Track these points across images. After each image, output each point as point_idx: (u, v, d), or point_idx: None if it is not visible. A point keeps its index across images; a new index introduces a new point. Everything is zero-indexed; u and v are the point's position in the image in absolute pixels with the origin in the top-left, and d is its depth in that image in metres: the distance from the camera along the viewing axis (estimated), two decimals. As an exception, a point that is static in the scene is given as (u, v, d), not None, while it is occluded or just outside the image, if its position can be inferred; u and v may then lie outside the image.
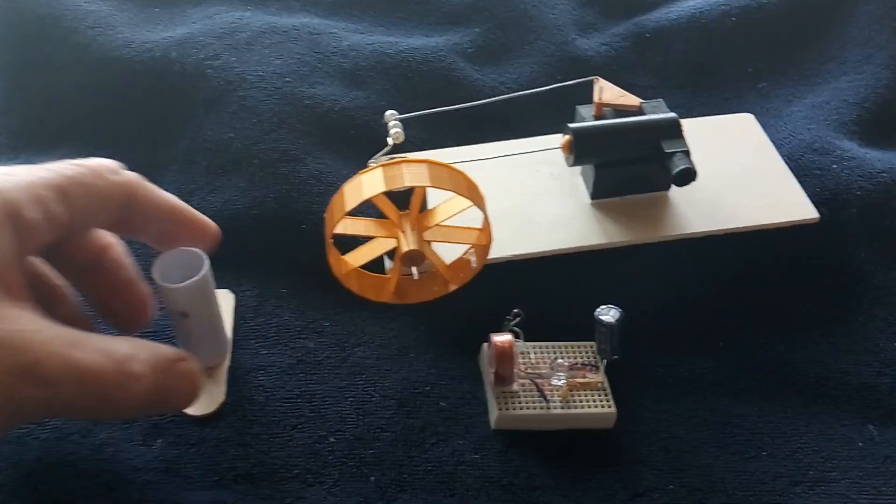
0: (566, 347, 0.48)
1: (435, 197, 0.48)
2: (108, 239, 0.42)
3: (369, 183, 0.42)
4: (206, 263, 0.41)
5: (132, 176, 0.40)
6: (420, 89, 0.62)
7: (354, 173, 0.44)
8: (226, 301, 0.49)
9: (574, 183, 0.55)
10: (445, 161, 0.52)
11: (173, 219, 0.41)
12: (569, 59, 0.66)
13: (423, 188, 0.44)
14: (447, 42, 0.67)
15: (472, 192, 0.44)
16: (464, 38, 0.67)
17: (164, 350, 0.37)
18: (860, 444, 0.47)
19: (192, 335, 0.43)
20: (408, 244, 0.44)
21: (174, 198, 0.41)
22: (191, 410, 0.43)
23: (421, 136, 0.59)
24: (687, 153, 0.50)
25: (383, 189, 0.42)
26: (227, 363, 0.46)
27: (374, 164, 0.45)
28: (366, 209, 0.45)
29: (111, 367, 0.34)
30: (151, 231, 0.41)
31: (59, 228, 0.36)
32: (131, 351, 0.35)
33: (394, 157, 0.50)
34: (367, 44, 0.64)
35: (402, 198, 0.46)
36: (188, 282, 0.40)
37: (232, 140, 0.55)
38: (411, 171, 0.42)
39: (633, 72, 0.67)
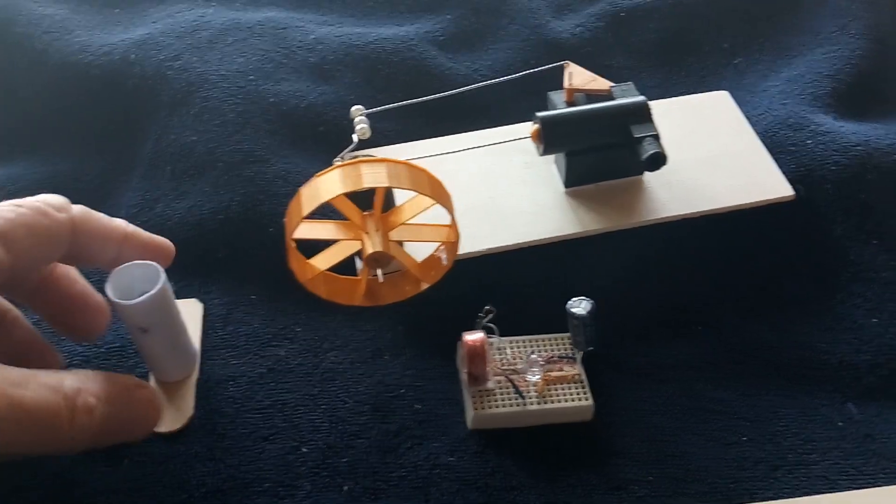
0: (543, 341, 0.48)
1: (403, 194, 0.48)
2: None
3: (326, 185, 0.41)
4: (163, 276, 0.40)
5: (78, 210, 0.39)
6: (391, 81, 0.61)
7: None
8: (193, 311, 0.48)
9: (548, 172, 0.54)
10: (418, 154, 0.52)
11: (126, 245, 0.40)
12: (544, 42, 0.65)
13: (384, 188, 0.43)
14: (418, 31, 0.65)
15: (434, 190, 0.43)
16: (436, 26, 0.66)
17: (117, 379, 0.37)
18: (840, 423, 0.46)
19: (154, 351, 0.42)
20: (372, 246, 0.43)
21: (124, 224, 0.41)
22: (158, 427, 0.42)
23: (394, 129, 0.58)
24: (656, 137, 0.49)
25: (341, 191, 0.41)
26: (195, 376, 0.45)
27: (339, 163, 0.44)
28: (331, 211, 0.44)
29: (58, 403, 0.34)
30: (105, 260, 0.40)
31: (2, 272, 0.35)
32: (80, 384, 0.35)
33: (357, 155, 0.50)
34: (336, 36, 0.63)
35: (366, 198, 0.45)
36: (144, 297, 0.39)
37: (195, 143, 0.54)
38: (370, 171, 0.41)
39: (609, 53, 0.66)
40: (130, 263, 0.40)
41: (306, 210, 0.41)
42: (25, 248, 0.36)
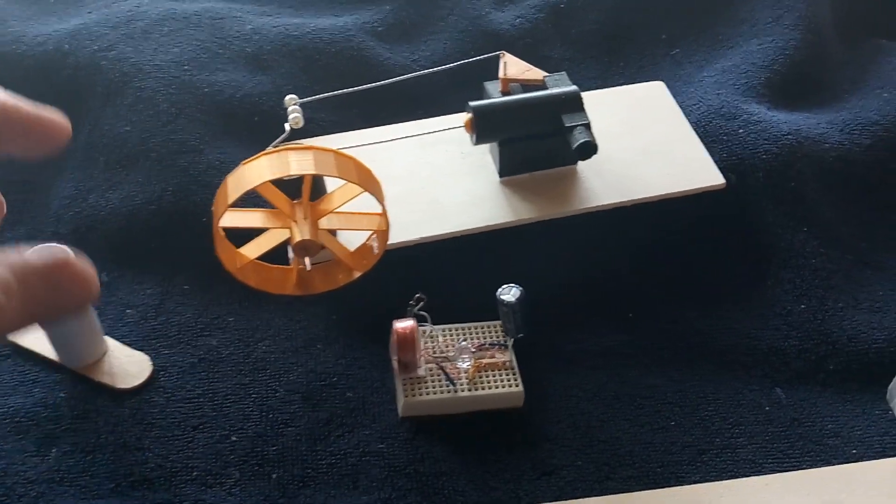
0: (475, 328, 0.48)
1: (334, 183, 0.47)
2: None
3: (252, 172, 0.41)
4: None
5: None
6: (328, 71, 0.61)
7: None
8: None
9: (484, 161, 0.54)
10: (353, 143, 0.52)
11: (5, 127, 0.32)
12: (483, 33, 0.65)
13: (312, 175, 0.43)
14: (357, 21, 0.65)
15: (362, 178, 0.43)
16: (374, 17, 0.66)
17: (34, 261, 0.31)
18: (767, 408, 0.47)
19: (85, 328, 0.42)
20: (300, 234, 0.43)
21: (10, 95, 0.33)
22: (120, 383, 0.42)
23: (330, 119, 0.58)
24: (587, 126, 0.49)
25: (267, 178, 0.41)
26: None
27: (273, 149, 0.44)
28: (264, 199, 0.44)
29: None
30: None
31: None
32: None
33: (287, 144, 0.49)
34: (273, 26, 0.63)
35: (295, 186, 0.45)
36: None
37: (129, 134, 0.54)
38: (297, 158, 0.41)
39: (549, 44, 0.66)
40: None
41: (232, 198, 0.41)
42: None
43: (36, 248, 0.39)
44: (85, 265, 0.32)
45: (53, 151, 0.34)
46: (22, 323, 0.31)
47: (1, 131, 0.32)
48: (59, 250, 0.33)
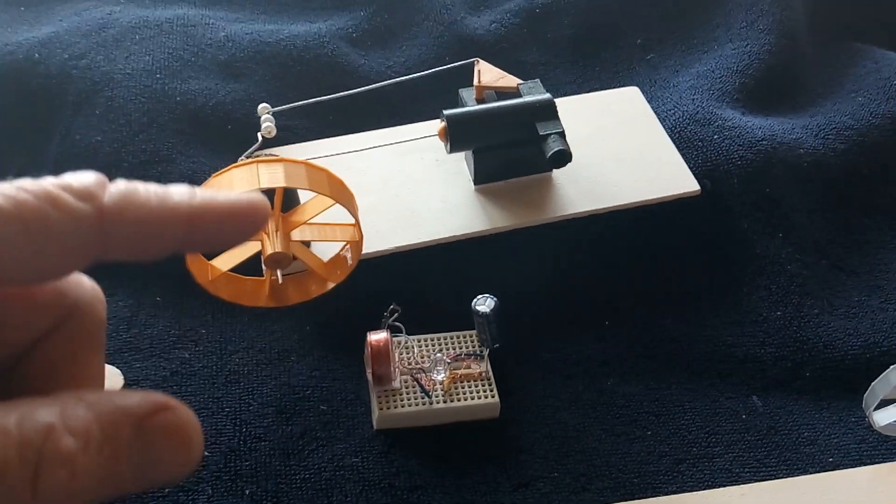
0: (450, 338, 0.48)
1: (307, 193, 0.47)
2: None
3: (222, 186, 0.40)
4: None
5: (115, 194, 0.23)
6: (302, 78, 0.60)
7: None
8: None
9: (459, 169, 0.54)
10: (327, 152, 0.51)
11: (195, 229, 0.24)
12: (458, 39, 0.65)
13: (283, 188, 0.43)
14: (331, 27, 0.65)
15: (334, 189, 0.43)
16: (349, 23, 0.66)
17: (125, 401, 0.22)
18: (744, 416, 0.47)
19: None
20: (272, 246, 0.43)
21: (187, 196, 0.24)
22: None
23: (305, 127, 0.58)
24: (562, 134, 0.49)
25: (238, 191, 0.40)
26: None
27: (243, 161, 0.43)
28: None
29: (6, 455, 0.20)
30: (158, 254, 0.24)
31: None
32: (64, 414, 0.21)
33: (261, 154, 0.49)
34: (246, 33, 0.62)
35: (267, 197, 0.44)
36: None
37: (100, 143, 0.53)
38: (267, 171, 0.41)
39: (524, 48, 0.66)
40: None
41: (202, 212, 0.40)
42: (16, 255, 0.21)
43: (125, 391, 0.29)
44: (190, 416, 0.23)
45: (252, 236, 0.26)
46: (99, 491, 0.21)
47: (190, 237, 0.24)
48: (156, 395, 0.23)
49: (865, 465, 0.45)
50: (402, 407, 0.44)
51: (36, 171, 0.55)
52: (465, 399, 0.45)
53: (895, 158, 0.58)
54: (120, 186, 0.23)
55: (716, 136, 0.55)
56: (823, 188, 0.56)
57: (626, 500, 0.43)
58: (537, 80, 0.53)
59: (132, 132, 0.53)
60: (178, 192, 0.24)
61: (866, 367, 0.48)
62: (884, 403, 0.42)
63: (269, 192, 0.43)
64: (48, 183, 0.22)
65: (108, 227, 0.23)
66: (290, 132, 0.56)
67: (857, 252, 0.54)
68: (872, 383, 0.41)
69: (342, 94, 0.53)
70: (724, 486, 0.44)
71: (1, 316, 0.22)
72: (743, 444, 0.45)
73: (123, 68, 0.57)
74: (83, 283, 0.24)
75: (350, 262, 0.46)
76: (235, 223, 0.25)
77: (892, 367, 0.40)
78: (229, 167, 0.41)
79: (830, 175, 0.56)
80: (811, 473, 0.44)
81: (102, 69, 0.56)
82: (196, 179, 0.52)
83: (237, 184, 0.41)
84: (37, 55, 0.58)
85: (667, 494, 0.43)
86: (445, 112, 0.50)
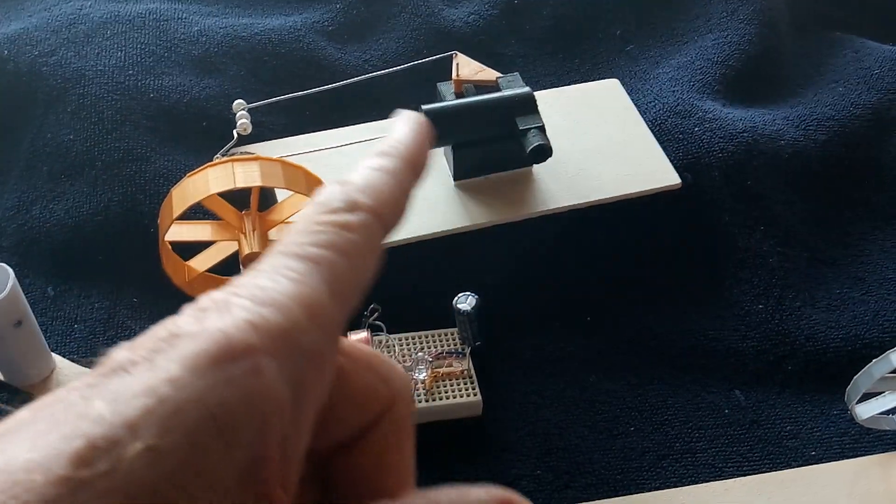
0: (431, 336, 0.47)
1: (284, 192, 0.46)
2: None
3: (196, 186, 0.40)
4: (6, 266, 0.39)
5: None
6: (278, 73, 0.59)
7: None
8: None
9: (438, 164, 0.53)
10: (304, 148, 0.51)
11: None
12: (436, 31, 0.64)
13: (259, 187, 0.42)
14: (306, 20, 0.64)
15: (311, 187, 0.42)
16: (324, 16, 0.65)
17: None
18: (727, 410, 0.47)
19: (28, 345, 0.41)
20: (249, 246, 0.42)
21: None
22: None
23: (281, 123, 0.57)
24: (542, 129, 0.49)
25: (213, 192, 0.40)
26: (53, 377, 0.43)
27: (219, 159, 0.43)
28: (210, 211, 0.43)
29: None
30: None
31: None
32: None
33: (236, 151, 0.48)
34: (220, 28, 0.61)
35: (244, 197, 0.43)
36: (10, 284, 0.38)
37: (72, 142, 0.52)
38: (242, 170, 0.40)
39: (503, 41, 0.65)
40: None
41: (177, 212, 0.40)
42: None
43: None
44: None
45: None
46: None
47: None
48: (498, 490, 0.18)
49: (848, 458, 0.45)
50: (384, 407, 0.44)
51: (7, 170, 0.54)
52: (447, 398, 0.45)
53: (876, 149, 0.57)
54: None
55: (697, 129, 0.55)
56: (804, 180, 0.55)
57: (609, 497, 0.42)
58: (517, 73, 0.52)
59: (105, 130, 0.52)
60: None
61: (848, 360, 0.48)
62: (866, 396, 0.42)
63: (246, 192, 0.43)
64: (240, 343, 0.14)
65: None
66: (267, 129, 0.55)
67: (838, 244, 0.54)
68: (855, 377, 0.41)
69: (319, 89, 0.53)
70: (708, 481, 0.44)
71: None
72: (726, 439, 0.45)
73: (95, 65, 0.55)
74: (400, 372, 0.20)
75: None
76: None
77: (874, 360, 0.40)
78: (204, 166, 0.41)
79: (811, 167, 0.56)
80: (794, 467, 0.44)
81: (73, 66, 0.55)
82: (172, 178, 0.51)
83: (212, 183, 0.40)
84: (5, 52, 0.56)
85: (650, 491, 0.43)
86: (424, 107, 0.49)
